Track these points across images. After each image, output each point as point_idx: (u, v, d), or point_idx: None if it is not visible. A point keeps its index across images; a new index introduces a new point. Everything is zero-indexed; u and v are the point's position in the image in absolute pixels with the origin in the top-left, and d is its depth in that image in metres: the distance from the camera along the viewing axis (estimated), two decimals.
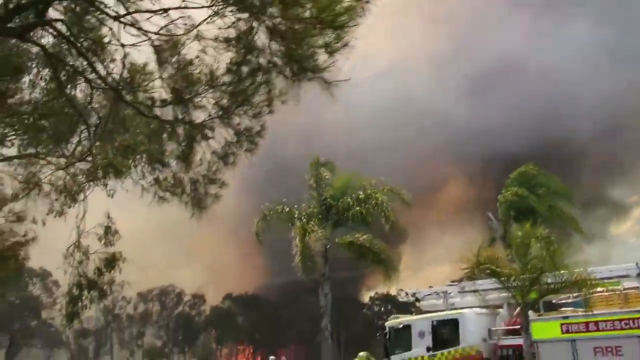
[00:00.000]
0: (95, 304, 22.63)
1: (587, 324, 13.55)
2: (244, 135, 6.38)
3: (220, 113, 5.99)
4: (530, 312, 13.95)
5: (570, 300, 14.82)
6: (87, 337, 64.06)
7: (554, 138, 49.89)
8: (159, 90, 6.11)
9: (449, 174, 67.97)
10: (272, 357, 33.57)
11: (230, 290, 67.04)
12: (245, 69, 5.65)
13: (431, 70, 70.61)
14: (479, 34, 68.46)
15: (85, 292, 19.32)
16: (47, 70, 10.49)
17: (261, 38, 5.28)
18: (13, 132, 16.30)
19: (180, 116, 6.20)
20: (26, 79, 14.65)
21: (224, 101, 6.12)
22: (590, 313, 13.43)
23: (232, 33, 5.36)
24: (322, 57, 5.12)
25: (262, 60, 5.45)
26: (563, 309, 14.80)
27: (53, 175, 13.32)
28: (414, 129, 62.64)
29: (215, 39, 5.46)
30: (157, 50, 5.66)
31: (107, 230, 18.49)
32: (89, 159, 8.13)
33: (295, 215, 16.07)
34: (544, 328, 14.09)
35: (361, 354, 17.22)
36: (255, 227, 15.90)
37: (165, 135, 6.67)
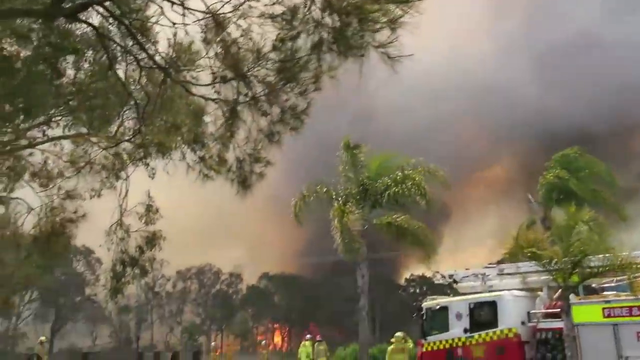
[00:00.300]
0: (136, 281, 23.36)
1: (630, 308, 13.29)
2: (289, 113, 6.41)
3: (266, 91, 6.05)
4: (572, 296, 13.75)
5: (613, 284, 14.56)
6: (128, 313, 66.06)
7: (622, 119, 47.82)
8: (206, 68, 6.23)
9: (499, 154, 66.94)
10: (308, 335, 33.95)
11: (267, 269, 68.13)
12: (292, 45, 5.66)
13: (497, 46, 68.83)
14: (548, 8, 66.18)
15: (128, 269, 19.92)
16: (94, 50, 10.74)
17: (313, 13, 5.25)
18: (59, 113, 16.80)
19: (227, 94, 6.28)
20: (71, 59, 15.00)
21: (271, 78, 6.18)
22: (634, 297, 13.19)
23: (277, 10, 5.40)
24: (384, 33, 5.06)
25: (312, 37, 5.44)
26: (605, 292, 14.55)
27: (99, 154, 13.71)
28: (471, 109, 61.63)
29: (262, 16, 5.50)
30: (205, 28, 5.73)
31: (149, 208, 18.96)
32: (137, 137, 8.29)
33: (333, 196, 16.09)
34: (585, 312, 13.88)
35: (398, 334, 17.31)
36: (294, 208, 16.00)
37: (211, 114, 6.77)
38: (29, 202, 15.21)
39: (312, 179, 16.50)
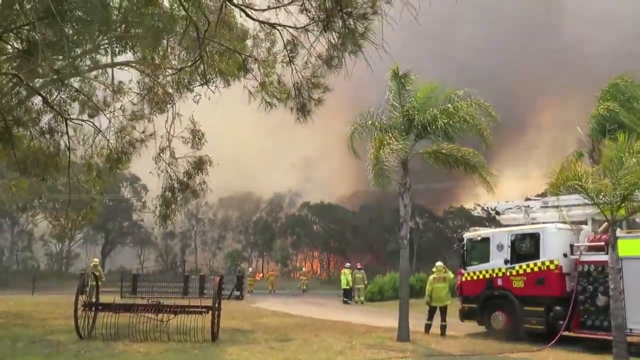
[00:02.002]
0: (182, 207, 23.99)
1: None
2: (348, 38, 6.36)
3: (324, 16, 6.00)
4: (618, 229, 13.66)
5: None
6: (173, 239, 68.77)
7: None
8: None
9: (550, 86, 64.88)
10: (347, 264, 34.86)
11: (308, 198, 69.22)
12: None
13: None
14: None
15: (178, 194, 20.52)
16: None
17: None
18: (108, 41, 16.95)
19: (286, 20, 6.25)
20: None
21: (328, 4, 6.11)
22: None
23: None
24: None
25: None
26: None
27: (160, 80, 13.93)
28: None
29: None
30: None
31: (194, 134, 19.33)
32: (198, 63, 8.40)
33: (378, 127, 15.98)
34: (631, 245, 13.88)
35: (438, 263, 17.62)
36: (347, 138, 15.96)
37: (271, 39, 6.77)
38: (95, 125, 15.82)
39: (365, 107, 16.18)
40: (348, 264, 34.05)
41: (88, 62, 17.52)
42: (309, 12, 6.22)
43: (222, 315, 14.70)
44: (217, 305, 13.93)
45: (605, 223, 14.40)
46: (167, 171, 19.11)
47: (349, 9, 6.02)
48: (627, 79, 20.16)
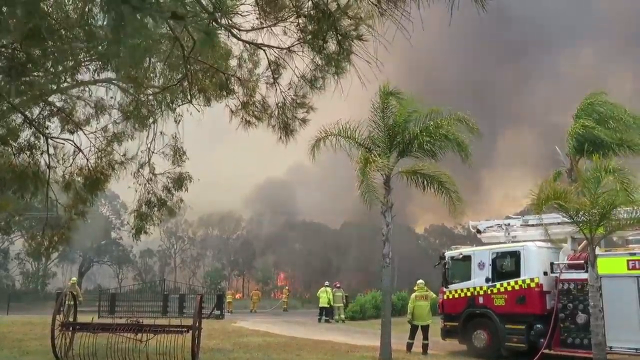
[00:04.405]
0: (159, 225, 23.67)
1: None
2: (332, 59, 6.43)
3: (308, 37, 6.06)
4: (597, 248, 13.85)
5: (638, 237, 14.65)
6: (152, 257, 67.97)
7: None
8: (248, 14, 6.25)
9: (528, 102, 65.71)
10: (326, 282, 34.75)
11: (290, 217, 68.99)
12: None
13: None
14: None
15: (154, 209, 20.29)
16: None
17: None
18: (89, 58, 16.82)
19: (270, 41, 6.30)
20: None
21: (310, 27, 6.19)
22: None
23: None
24: None
25: None
26: (631, 245, 14.64)
27: (143, 99, 13.83)
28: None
29: None
30: None
31: (176, 150, 19.16)
32: (184, 81, 8.39)
33: (358, 142, 15.97)
34: (610, 264, 14.04)
35: (420, 281, 17.65)
36: (311, 146, 15.80)
37: (255, 59, 6.81)
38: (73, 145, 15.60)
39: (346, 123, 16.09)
40: (327, 282, 33.80)
41: (69, 80, 17.35)
42: (304, 31, 6.26)
43: (202, 334, 14.47)
44: (197, 324, 13.73)
45: (585, 241, 14.62)
46: (144, 186, 18.90)
47: (345, 31, 6.07)
48: (600, 99, 20.38)
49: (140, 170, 18.10)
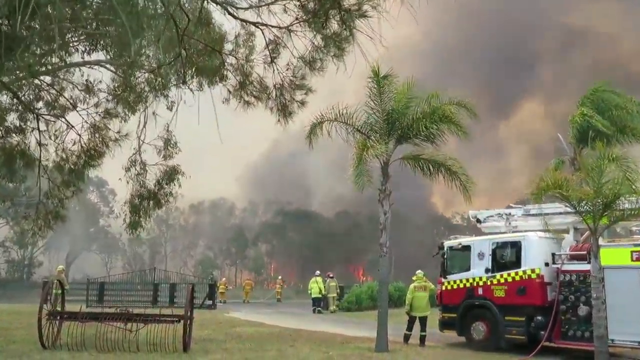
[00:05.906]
0: (152, 213, 23.14)
1: None
2: (332, 40, 5.99)
3: (308, 17, 5.62)
4: (600, 238, 13.54)
5: None
6: (142, 246, 67.26)
7: None
8: None
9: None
10: (317, 272, 34.26)
11: (282, 204, 68.38)
12: None
13: None
14: None
15: (147, 202, 19.71)
16: None
17: None
18: (77, 38, 16.23)
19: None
20: None
21: (311, 4, 5.74)
22: None
23: None
24: None
25: None
26: (635, 236, 14.35)
27: (136, 80, 13.28)
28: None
29: None
30: None
31: (167, 143, 18.62)
32: (177, 61, 7.90)
33: (355, 127, 15.46)
34: (613, 255, 13.73)
35: (419, 272, 17.32)
36: (308, 130, 15.06)
37: (253, 39, 6.35)
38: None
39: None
40: (318, 272, 33.29)
41: (56, 61, 16.76)
42: (305, 7, 5.79)
43: (194, 324, 14.09)
44: (189, 314, 13.34)
45: (587, 232, 14.30)
46: (136, 178, 18.34)
47: (349, 8, 5.62)
48: (604, 86, 20.07)
49: (131, 162, 17.54)
